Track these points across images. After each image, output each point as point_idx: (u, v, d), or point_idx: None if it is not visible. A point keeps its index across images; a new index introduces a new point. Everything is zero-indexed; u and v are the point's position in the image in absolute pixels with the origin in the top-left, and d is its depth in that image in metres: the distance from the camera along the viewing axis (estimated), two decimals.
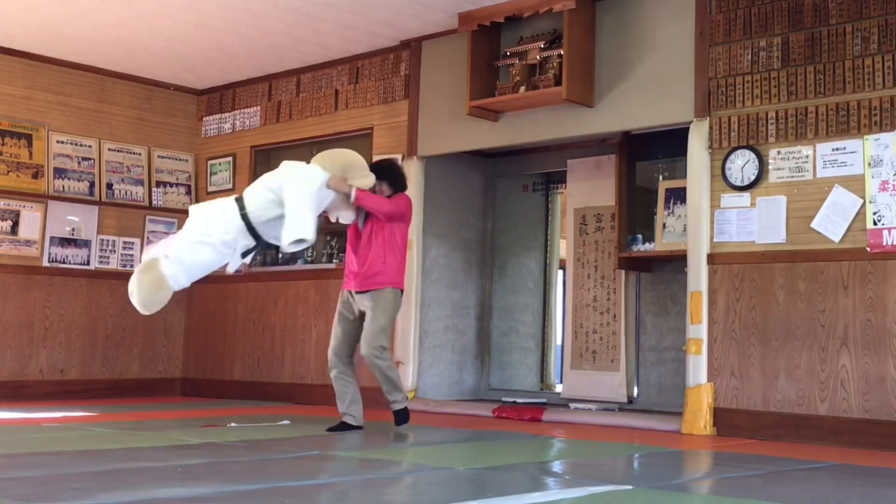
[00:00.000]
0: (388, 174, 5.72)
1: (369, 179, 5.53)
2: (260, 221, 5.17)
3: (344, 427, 5.53)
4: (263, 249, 5.77)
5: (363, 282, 5.58)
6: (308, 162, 5.53)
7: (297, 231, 5.07)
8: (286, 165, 5.42)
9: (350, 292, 5.64)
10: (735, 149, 5.84)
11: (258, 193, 5.24)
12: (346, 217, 5.62)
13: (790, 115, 5.67)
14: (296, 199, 5.14)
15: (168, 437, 5.02)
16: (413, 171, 7.30)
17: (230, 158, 8.70)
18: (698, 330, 5.84)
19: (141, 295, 5.02)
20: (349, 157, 5.57)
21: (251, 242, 5.24)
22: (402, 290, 5.67)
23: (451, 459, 4.46)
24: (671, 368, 6.90)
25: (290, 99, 8.33)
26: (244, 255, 5.32)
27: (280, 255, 8.34)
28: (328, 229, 7.98)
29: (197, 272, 5.19)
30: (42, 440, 4.89)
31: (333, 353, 5.65)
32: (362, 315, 5.60)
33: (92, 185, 8.22)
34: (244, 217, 5.14)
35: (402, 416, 5.66)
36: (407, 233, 5.75)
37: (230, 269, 5.40)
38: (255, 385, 8.23)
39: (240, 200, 5.21)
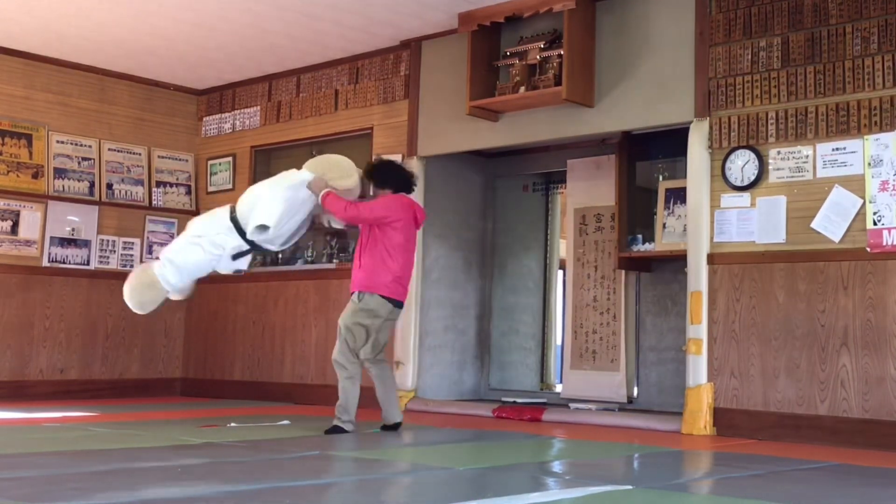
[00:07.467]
0: (376, 174, 5.63)
1: (348, 181, 5.50)
2: (248, 223, 5.38)
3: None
4: (257, 253, 5.91)
5: (351, 286, 5.63)
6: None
7: (258, 217, 5.29)
8: (279, 174, 5.64)
9: None
10: (735, 149, 5.84)
11: (246, 196, 5.49)
12: (335, 220, 5.63)
13: (790, 115, 5.66)
14: (266, 190, 5.41)
15: (168, 437, 5.02)
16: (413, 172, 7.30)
17: (230, 158, 8.70)
18: (698, 330, 5.84)
19: (133, 294, 5.36)
20: (333, 159, 5.68)
21: (242, 245, 5.43)
22: (381, 294, 5.40)
23: (451, 459, 4.46)
24: (671, 368, 6.90)
25: (290, 99, 8.32)
26: (236, 257, 5.48)
27: (280, 256, 8.34)
28: (328, 230, 7.99)
29: (188, 273, 5.45)
30: (42, 440, 4.89)
31: None
32: None
33: (92, 185, 8.22)
34: (233, 219, 5.39)
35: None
36: (400, 234, 5.46)
37: (223, 270, 5.57)
38: (255, 385, 8.23)
39: (233, 207, 5.48)
